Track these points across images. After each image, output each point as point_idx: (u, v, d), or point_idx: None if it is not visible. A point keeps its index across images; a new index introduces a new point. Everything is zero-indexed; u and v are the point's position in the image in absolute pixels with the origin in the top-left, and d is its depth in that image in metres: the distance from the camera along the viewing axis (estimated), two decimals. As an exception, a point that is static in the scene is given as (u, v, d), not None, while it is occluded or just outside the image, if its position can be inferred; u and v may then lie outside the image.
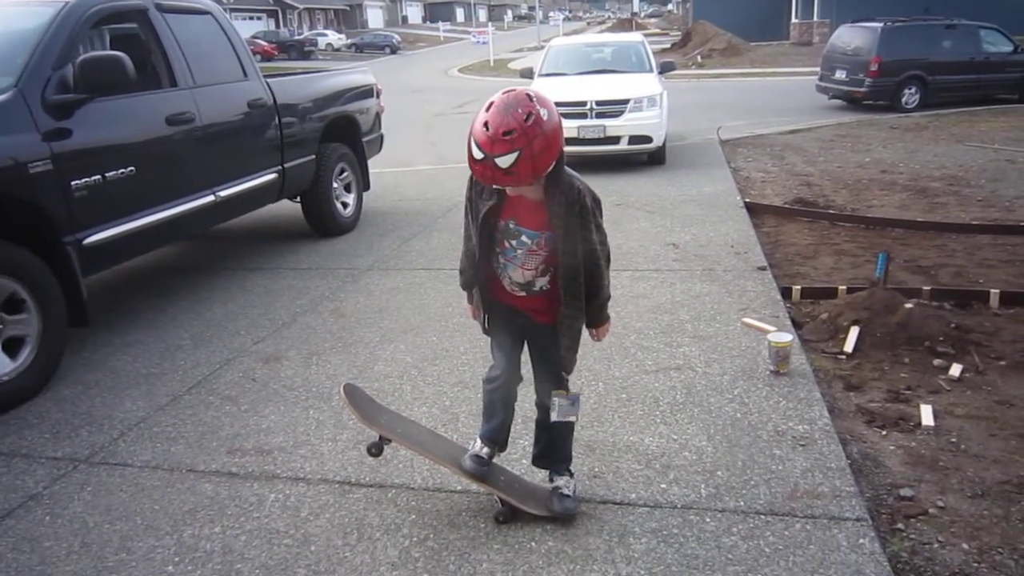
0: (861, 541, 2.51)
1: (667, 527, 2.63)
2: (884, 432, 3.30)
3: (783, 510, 2.69)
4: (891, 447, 3.17)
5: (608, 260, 2.54)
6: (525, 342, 2.69)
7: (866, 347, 4.08)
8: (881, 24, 14.23)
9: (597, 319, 2.61)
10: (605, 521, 2.68)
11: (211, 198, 5.20)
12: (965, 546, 2.54)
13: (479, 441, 2.74)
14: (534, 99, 2.18)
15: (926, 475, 2.96)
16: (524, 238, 2.43)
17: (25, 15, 4.59)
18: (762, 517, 2.65)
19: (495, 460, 2.78)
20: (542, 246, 2.43)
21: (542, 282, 2.50)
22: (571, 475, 2.79)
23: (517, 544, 2.58)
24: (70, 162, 4.08)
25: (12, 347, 3.82)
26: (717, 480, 2.88)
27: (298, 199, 6.60)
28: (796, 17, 34.58)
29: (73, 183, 4.09)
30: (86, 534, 2.75)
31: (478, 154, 2.17)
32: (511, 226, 2.44)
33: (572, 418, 2.69)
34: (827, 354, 4.08)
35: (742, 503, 2.74)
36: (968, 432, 3.26)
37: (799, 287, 4.96)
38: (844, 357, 4.03)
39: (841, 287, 4.84)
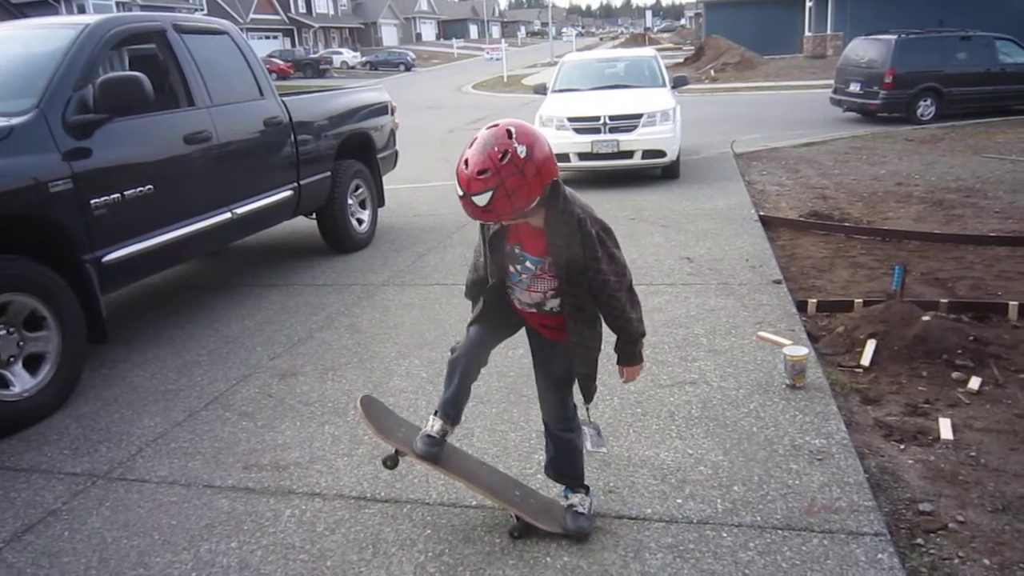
0: (880, 556, 2.48)
1: (683, 542, 2.61)
2: (902, 446, 3.27)
3: (800, 525, 2.67)
4: (909, 461, 3.14)
5: (630, 292, 2.48)
6: (506, 338, 2.69)
7: (883, 360, 4.05)
8: (895, 36, 14.20)
9: (626, 358, 2.56)
10: (620, 536, 2.66)
11: (228, 215, 5.25)
12: (986, 561, 2.51)
13: (432, 417, 2.67)
14: (514, 136, 2.15)
15: (945, 489, 2.93)
16: (528, 263, 2.43)
17: (46, 37, 4.68)
18: (779, 532, 2.64)
19: (509, 472, 2.78)
20: (546, 271, 2.42)
21: (553, 304, 2.49)
22: (586, 492, 2.77)
23: (532, 559, 2.57)
24: (89, 181, 4.14)
25: (33, 364, 3.87)
26: (733, 495, 2.87)
27: (314, 216, 6.65)
28: (809, 30, 34.55)
29: (92, 202, 4.15)
30: (104, 549, 2.77)
31: (459, 191, 2.18)
32: (516, 251, 2.44)
33: (603, 449, 2.71)
34: (844, 368, 4.05)
35: (759, 518, 2.72)
36: (988, 446, 3.23)
37: (815, 300, 4.94)
38: (861, 371, 4.00)
39: (857, 300, 4.81)
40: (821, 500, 2.80)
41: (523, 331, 2.69)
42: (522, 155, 2.14)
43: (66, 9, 36.53)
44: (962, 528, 2.69)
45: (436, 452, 2.63)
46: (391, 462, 2.70)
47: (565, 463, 2.75)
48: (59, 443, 3.60)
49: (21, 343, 3.81)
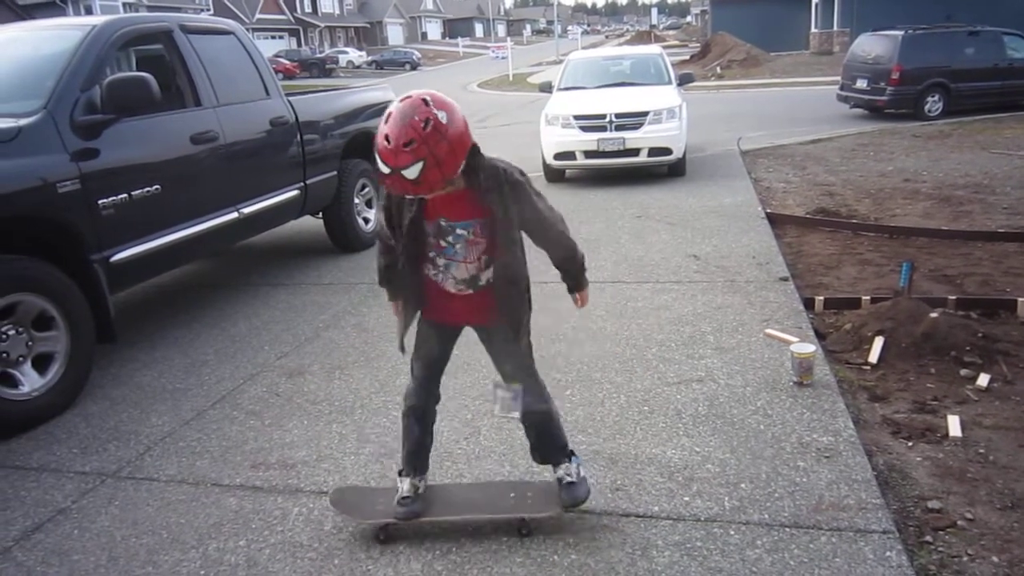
0: (888, 554, 2.47)
1: (690, 540, 2.61)
2: (910, 443, 3.26)
3: (808, 523, 2.66)
4: (918, 458, 3.14)
5: (564, 224, 2.52)
6: (448, 360, 2.70)
7: (891, 357, 4.03)
8: (902, 32, 14.13)
9: (579, 283, 2.62)
10: (628, 534, 2.66)
11: (235, 215, 5.26)
12: (995, 559, 2.50)
13: (400, 480, 2.74)
14: (431, 103, 2.11)
15: (954, 487, 2.92)
16: (460, 231, 2.39)
17: (54, 38, 4.70)
18: (787, 530, 2.63)
19: (516, 471, 2.79)
20: (479, 233, 2.39)
21: (487, 275, 2.47)
22: (570, 459, 2.75)
23: (540, 557, 2.57)
24: (97, 181, 4.16)
25: (41, 363, 3.89)
26: (741, 492, 2.86)
27: (320, 215, 6.67)
28: (816, 27, 34.44)
29: (100, 202, 4.17)
30: (113, 548, 2.78)
31: (384, 168, 2.13)
32: (443, 224, 2.39)
33: (515, 413, 2.64)
34: (851, 365, 4.04)
35: (766, 516, 2.71)
36: (996, 443, 3.21)
37: (822, 298, 4.93)
38: (868, 368, 3.99)
39: (865, 297, 4.80)
40: (829, 498, 2.79)
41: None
42: (444, 121, 2.11)
43: (73, 10, 36.67)
44: (971, 525, 2.68)
45: (416, 509, 2.70)
46: (383, 535, 2.72)
47: (548, 440, 2.74)
48: (68, 442, 3.62)
49: (30, 343, 3.83)
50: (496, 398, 2.63)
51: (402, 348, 2.63)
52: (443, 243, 2.42)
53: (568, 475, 2.72)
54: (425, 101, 2.11)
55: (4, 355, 3.70)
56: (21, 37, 5.07)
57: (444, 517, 2.75)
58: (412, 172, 2.10)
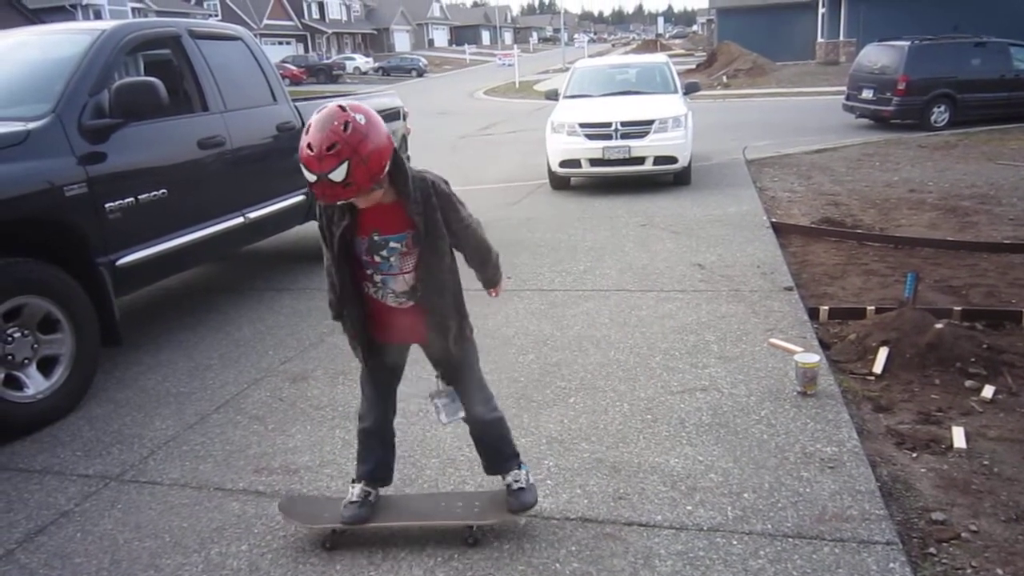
0: (891, 565, 2.46)
1: (693, 550, 2.60)
2: (915, 454, 3.25)
3: (811, 533, 2.65)
4: (922, 470, 3.12)
5: (481, 227, 2.57)
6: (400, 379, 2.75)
7: (895, 368, 4.03)
8: (908, 42, 14.14)
9: (495, 278, 2.69)
10: (630, 543, 2.66)
11: (240, 220, 5.28)
12: (999, 572, 2.49)
13: (352, 486, 2.77)
14: (347, 109, 2.17)
15: (958, 499, 2.91)
16: (392, 244, 2.42)
17: (63, 42, 4.73)
18: (790, 540, 2.62)
19: (454, 489, 2.77)
20: (411, 245, 2.42)
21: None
22: (519, 466, 2.77)
23: (542, 565, 2.57)
24: (105, 185, 4.18)
25: (46, 366, 3.90)
26: (744, 502, 2.85)
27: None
28: (822, 37, 34.44)
29: (107, 205, 4.19)
30: (116, 551, 2.79)
31: (311, 176, 2.15)
32: (376, 238, 2.41)
33: (461, 414, 2.65)
34: (856, 375, 4.03)
35: (769, 526, 2.71)
36: (1001, 455, 3.20)
37: (827, 307, 4.92)
38: (873, 378, 3.98)
39: (870, 307, 4.79)
40: (832, 508, 2.78)
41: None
42: (363, 123, 2.16)
43: (82, 15, 36.88)
44: (975, 538, 2.67)
45: (362, 514, 2.72)
46: (330, 542, 2.73)
47: (501, 448, 2.76)
48: (72, 445, 3.63)
49: (35, 345, 3.84)
50: (439, 409, 2.64)
51: (366, 363, 2.68)
52: (378, 258, 2.44)
53: (517, 481, 2.73)
54: (342, 107, 2.18)
55: (9, 357, 3.71)
56: (31, 41, 5.10)
57: (390, 523, 2.76)
58: (339, 174, 2.13)
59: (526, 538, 2.71)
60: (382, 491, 2.84)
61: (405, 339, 2.63)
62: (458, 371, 2.66)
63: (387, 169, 2.24)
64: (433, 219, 2.40)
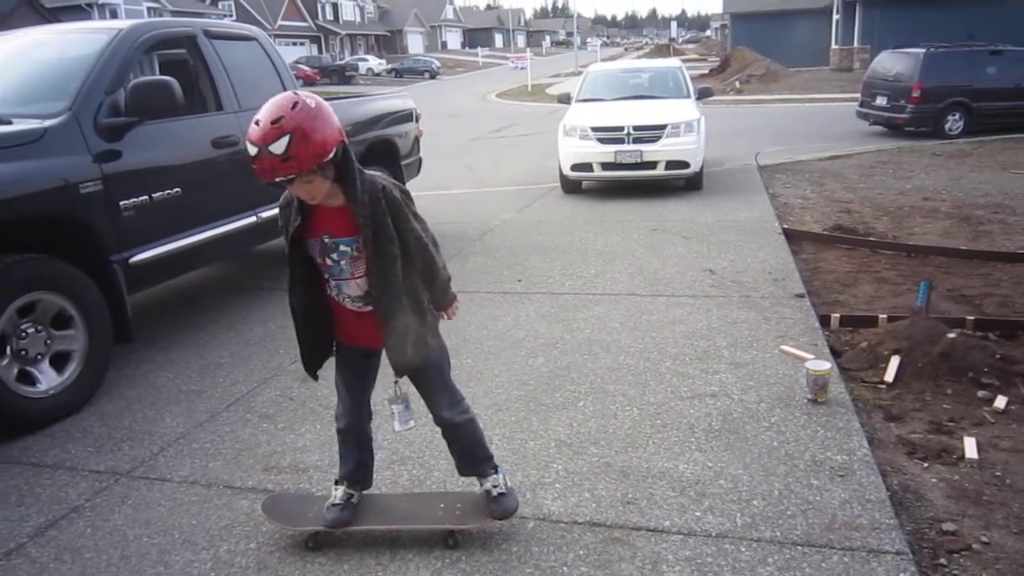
0: (901, 575, 2.45)
1: (701, 555, 2.60)
2: (926, 464, 3.23)
3: (820, 541, 2.64)
4: (933, 480, 3.11)
5: (436, 244, 2.51)
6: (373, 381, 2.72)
7: (907, 377, 4.00)
8: (924, 50, 14.07)
9: (442, 301, 2.58)
10: (638, 548, 2.65)
11: (253, 219, 5.30)
12: (1010, 584, 2.47)
13: (335, 488, 2.78)
14: (299, 94, 2.21)
15: (969, 509, 2.89)
16: (343, 247, 2.40)
17: (81, 41, 4.77)
18: (799, 548, 2.61)
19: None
20: (362, 249, 2.39)
21: None
22: (496, 470, 2.75)
23: (549, 569, 2.57)
24: (119, 183, 4.21)
25: (59, 362, 3.93)
26: (753, 509, 2.84)
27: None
28: (836, 43, 34.33)
29: (121, 203, 4.22)
30: (126, 547, 2.80)
31: (252, 150, 2.15)
32: (326, 240, 2.40)
33: (411, 423, 2.65)
34: (867, 383, 4.01)
35: (778, 533, 2.70)
36: (1013, 466, 3.18)
37: (838, 315, 4.90)
38: (884, 387, 3.96)
39: (881, 316, 4.77)
40: (842, 517, 2.77)
41: None
42: (312, 105, 2.18)
43: (99, 14, 37.13)
44: (986, 549, 2.65)
45: (344, 517, 2.72)
46: (312, 543, 2.74)
47: (474, 451, 2.74)
48: (83, 441, 3.65)
49: (48, 341, 3.87)
50: (393, 414, 2.64)
51: (313, 376, 2.67)
52: (329, 261, 2.43)
53: (496, 486, 2.72)
54: (295, 92, 2.23)
55: (23, 353, 3.74)
56: (48, 40, 5.14)
57: (372, 526, 2.76)
58: (279, 146, 2.12)
59: (534, 541, 2.71)
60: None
61: (366, 343, 2.58)
62: (421, 376, 2.63)
63: (332, 157, 2.21)
64: (382, 223, 2.35)
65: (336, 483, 2.79)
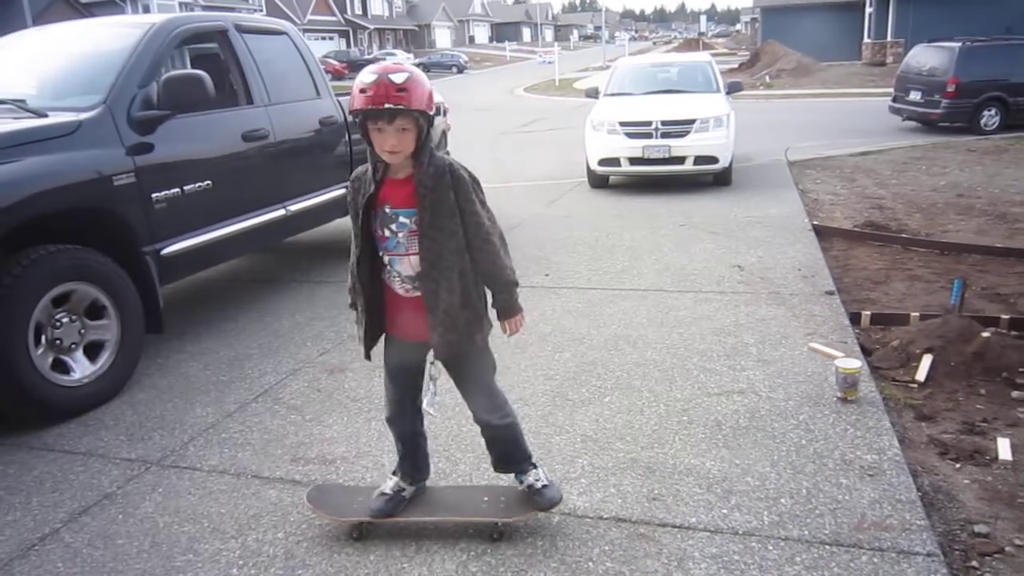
0: (932, 577, 2.42)
1: (728, 553, 2.58)
2: (958, 465, 3.18)
3: (849, 541, 2.61)
4: (965, 481, 3.06)
5: (503, 241, 2.48)
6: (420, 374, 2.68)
7: (939, 376, 3.94)
8: (959, 44, 13.81)
9: (506, 309, 2.52)
10: (664, 544, 2.64)
11: (282, 212, 5.35)
12: (1045, 588, 2.43)
13: (389, 477, 2.80)
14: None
15: (1003, 512, 2.84)
16: (402, 219, 2.40)
17: (115, 36, 4.83)
18: (827, 547, 2.58)
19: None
20: (420, 224, 2.39)
21: None
22: (534, 466, 2.76)
23: (574, 563, 2.57)
24: (152, 176, 4.26)
25: (92, 351, 3.99)
26: (780, 507, 2.82)
27: (365, 214, 6.71)
28: (869, 37, 33.81)
29: (154, 196, 4.27)
30: (156, 534, 2.84)
31: (369, 78, 2.21)
32: (387, 210, 2.42)
33: (431, 411, 2.61)
34: (898, 382, 3.96)
35: (806, 532, 2.67)
36: (1049, 468, 3.12)
37: (869, 313, 4.83)
38: (916, 386, 3.90)
39: (914, 314, 4.69)
40: (871, 517, 2.74)
41: None
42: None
43: (131, 8, 37.60)
44: (1019, 552, 2.61)
45: (386, 508, 2.73)
46: (357, 532, 2.75)
47: (513, 451, 2.75)
48: (115, 429, 3.71)
49: (82, 331, 3.93)
50: (424, 392, 2.64)
51: (367, 356, 2.63)
52: (387, 232, 2.43)
53: (539, 480, 2.72)
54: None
55: (58, 342, 3.81)
56: (83, 34, 5.22)
57: (416, 518, 2.77)
58: (398, 76, 2.21)
59: (559, 535, 2.71)
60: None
61: (415, 335, 2.53)
62: (461, 374, 2.61)
63: (427, 121, 2.29)
64: (444, 198, 2.36)
65: (392, 473, 2.81)
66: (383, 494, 2.76)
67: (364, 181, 2.44)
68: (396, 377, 2.67)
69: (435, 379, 2.58)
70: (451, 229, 2.39)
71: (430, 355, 2.55)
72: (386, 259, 2.48)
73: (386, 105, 2.21)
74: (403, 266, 2.46)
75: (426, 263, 2.40)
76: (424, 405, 2.63)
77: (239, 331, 5.03)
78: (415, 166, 2.37)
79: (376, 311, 2.56)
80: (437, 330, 2.43)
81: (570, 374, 4.09)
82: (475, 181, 2.44)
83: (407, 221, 2.40)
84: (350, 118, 5.60)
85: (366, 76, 2.23)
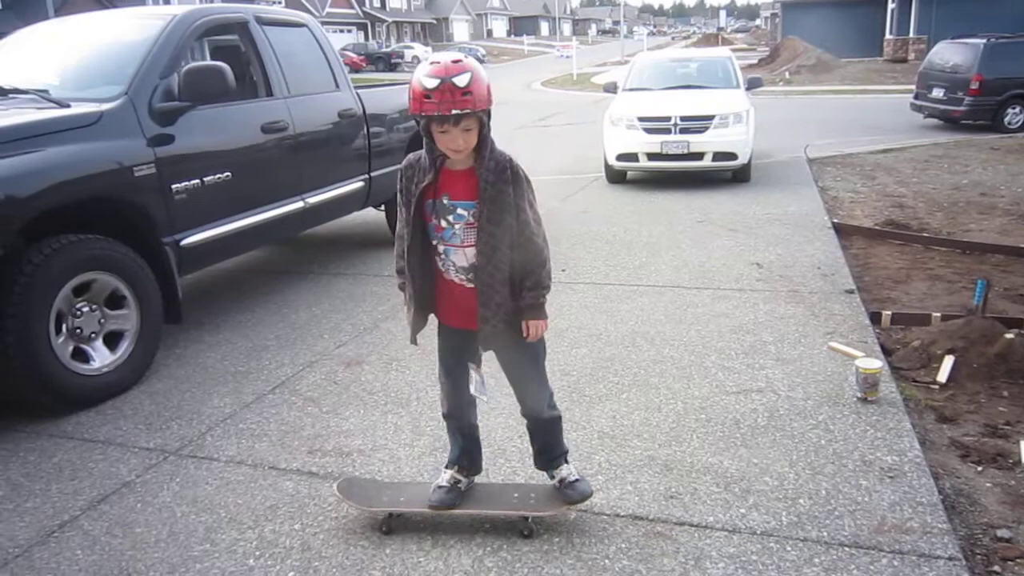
0: (953, 581, 2.39)
1: (745, 553, 2.56)
2: (980, 468, 3.14)
3: (869, 543, 2.58)
4: (987, 484, 3.02)
5: (546, 243, 2.50)
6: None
7: (961, 378, 3.89)
8: (983, 40, 13.63)
9: (533, 304, 2.49)
10: (681, 543, 2.63)
11: (300, 204, 5.36)
12: (1068, 594, 2.39)
13: (444, 471, 2.80)
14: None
15: (1026, 516, 2.80)
16: (460, 210, 2.42)
17: (137, 27, 4.85)
18: (846, 549, 2.56)
19: (505, 480, 2.78)
20: (478, 217, 2.41)
21: None
22: (567, 461, 2.78)
23: (591, 561, 2.55)
24: (172, 167, 4.28)
25: (112, 341, 4.02)
26: (799, 508, 2.80)
27: (382, 207, 6.73)
28: (890, 33, 33.44)
29: (174, 186, 4.29)
30: (174, 523, 2.86)
31: (432, 82, 2.20)
32: (445, 201, 2.42)
33: (483, 397, 2.62)
34: (919, 383, 3.92)
35: (825, 533, 2.65)
36: (1073, 473, 3.07)
37: (889, 312, 4.78)
38: (937, 387, 3.85)
39: (935, 314, 4.64)
40: (892, 519, 2.71)
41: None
42: (479, 59, 2.28)
43: (152, 0, 37.78)
44: (1043, 557, 2.57)
45: (448, 499, 2.74)
46: (386, 527, 2.76)
47: (554, 445, 2.77)
48: (134, 418, 3.73)
49: (102, 320, 3.96)
50: (471, 379, 2.63)
51: (413, 341, 2.65)
52: (443, 223, 2.44)
53: (571, 475, 2.74)
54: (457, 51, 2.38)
55: (78, 331, 3.83)
56: (105, 25, 5.24)
57: (468, 511, 2.77)
58: (462, 79, 2.22)
59: (576, 532, 2.70)
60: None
61: (465, 322, 2.56)
62: (514, 363, 2.64)
63: (490, 112, 2.33)
64: (503, 192, 2.39)
65: (445, 467, 2.81)
66: (440, 487, 2.75)
67: (419, 169, 2.45)
68: (451, 369, 2.68)
69: (477, 367, 2.61)
70: (507, 224, 2.41)
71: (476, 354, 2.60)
72: (440, 248, 2.49)
73: (453, 112, 2.24)
74: (458, 257, 2.47)
75: (483, 256, 2.42)
76: (472, 390, 2.63)
77: (256, 322, 5.05)
78: (476, 159, 2.39)
79: (427, 297, 2.57)
80: (490, 322, 2.46)
81: (587, 370, 4.08)
82: (528, 181, 2.47)
83: (464, 213, 2.42)
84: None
85: (428, 81, 2.21)
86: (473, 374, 2.62)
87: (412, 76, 2.29)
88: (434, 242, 2.49)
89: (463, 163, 2.40)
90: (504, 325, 2.48)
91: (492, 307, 2.44)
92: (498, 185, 2.38)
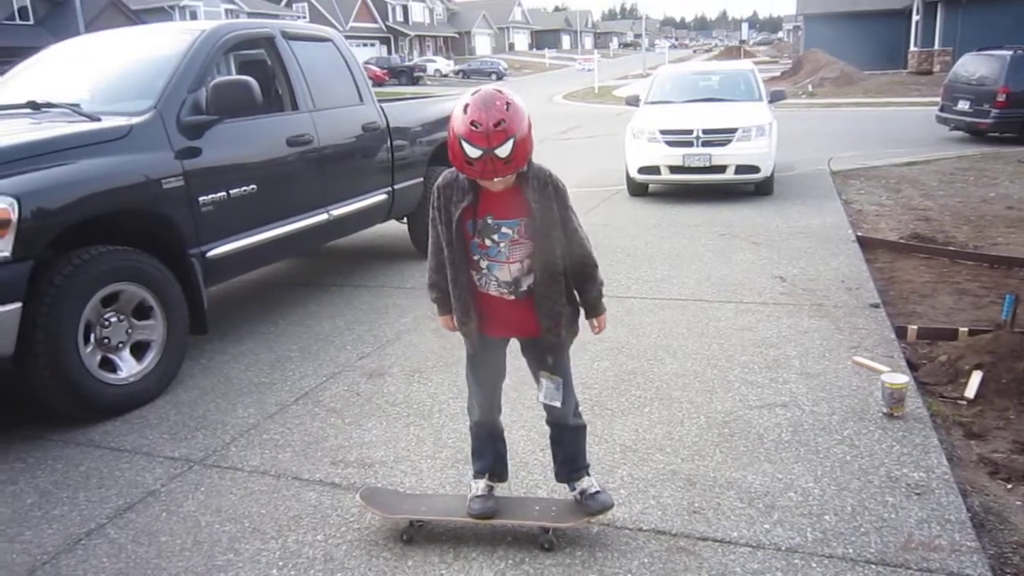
0: (983, 601, 2.35)
1: (770, 569, 2.54)
2: (1009, 486, 3.09)
3: (896, 561, 2.55)
4: (1017, 502, 2.97)
5: (591, 244, 2.56)
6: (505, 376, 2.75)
7: (989, 394, 3.84)
8: (1010, 52, 13.48)
9: (596, 308, 2.61)
10: (704, 558, 2.61)
11: (324, 216, 5.41)
12: (1102, 615, 2.34)
13: (475, 481, 2.80)
14: (503, 92, 2.28)
15: (1057, 535, 2.75)
16: (505, 229, 2.44)
17: (165, 42, 4.94)
18: (872, 567, 2.53)
19: (527, 493, 2.82)
20: (523, 233, 2.43)
21: (528, 281, 2.50)
22: (588, 474, 2.78)
23: (613, 574, 2.54)
24: (199, 179, 4.34)
25: (138, 351, 4.07)
26: (824, 524, 2.77)
27: (405, 220, 6.78)
28: (915, 45, 33.20)
29: (201, 199, 4.35)
30: (198, 532, 2.88)
31: (475, 152, 2.21)
32: (489, 221, 2.43)
33: (556, 403, 2.63)
34: (946, 399, 3.86)
35: (851, 550, 2.61)
36: (1106, 491, 3.01)
37: (915, 327, 4.73)
38: (965, 403, 3.80)
39: (962, 329, 4.58)
40: (919, 536, 2.67)
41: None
42: (518, 103, 2.25)
43: (180, 15, 38.45)
44: (1075, 577, 2.52)
45: (490, 507, 2.75)
46: (406, 535, 2.76)
47: (577, 455, 2.78)
48: (159, 428, 3.77)
49: (129, 330, 4.01)
50: (542, 387, 2.64)
51: (475, 344, 2.66)
52: (488, 242, 2.46)
53: (592, 486, 2.74)
54: (499, 90, 2.30)
55: (106, 341, 3.89)
56: (134, 40, 5.35)
57: (503, 519, 2.77)
58: (504, 150, 2.21)
59: (598, 546, 2.69)
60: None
61: (504, 332, 2.63)
62: (558, 369, 2.65)
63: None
64: (549, 206, 2.43)
65: (475, 477, 2.82)
66: (478, 496, 2.76)
67: (456, 188, 2.45)
68: (486, 380, 2.71)
69: (550, 375, 2.62)
70: (556, 236, 2.46)
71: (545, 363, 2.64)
72: (484, 264, 2.51)
73: (495, 180, 2.30)
74: (502, 273, 2.50)
75: (538, 271, 2.47)
76: (542, 398, 2.65)
77: (280, 334, 5.09)
78: (518, 178, 2.40)
79: (473, 312, 2.58)
80: (553, 331, 2.52)
81: (609, 383, 4.07)
82: (566, 189, 2.51)
83: (509, 231, 2.44)
84: (387, 125, 5.49)
85: (470, 149, 2.21)
86: (546, 382, 2.63)
87: (452, 115, 2.26)
88: (476, 258, 2.50)
89: (503, 182, 2.40)
90: (563, 329, 2.54)
91: (553, 315, 2.50)
92: (543, 201, 2.41)
